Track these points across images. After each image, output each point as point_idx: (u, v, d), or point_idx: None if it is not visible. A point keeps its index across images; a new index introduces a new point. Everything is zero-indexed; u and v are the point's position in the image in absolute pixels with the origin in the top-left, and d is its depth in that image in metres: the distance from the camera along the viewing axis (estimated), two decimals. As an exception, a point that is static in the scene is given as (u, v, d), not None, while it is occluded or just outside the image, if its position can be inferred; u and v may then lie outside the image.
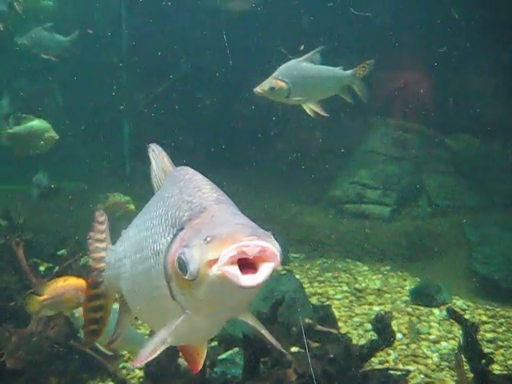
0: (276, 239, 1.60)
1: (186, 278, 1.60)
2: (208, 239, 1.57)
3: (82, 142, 10.42)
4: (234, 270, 1.50)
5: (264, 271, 1.52)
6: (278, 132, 9.52)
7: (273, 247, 1.54)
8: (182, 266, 1.61)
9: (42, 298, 3.84)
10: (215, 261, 1.52)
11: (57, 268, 5.94)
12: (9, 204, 7.78)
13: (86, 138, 10.44)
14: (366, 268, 8.06)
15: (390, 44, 8.93)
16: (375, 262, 8.23)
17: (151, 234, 1.96)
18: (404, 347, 5.57)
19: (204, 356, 2.17)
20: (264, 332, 1.97)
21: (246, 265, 1.52)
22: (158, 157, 2.24)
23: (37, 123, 7.02)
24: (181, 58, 9.79)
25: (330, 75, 5.18)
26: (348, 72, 5.20)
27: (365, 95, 5.26)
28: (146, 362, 1.89)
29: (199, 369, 2.18)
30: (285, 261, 8.10)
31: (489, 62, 9.11)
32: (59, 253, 7.21)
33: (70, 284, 3.80)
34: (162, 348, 1.90)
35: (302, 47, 5.06)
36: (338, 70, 5.21)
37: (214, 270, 1.52)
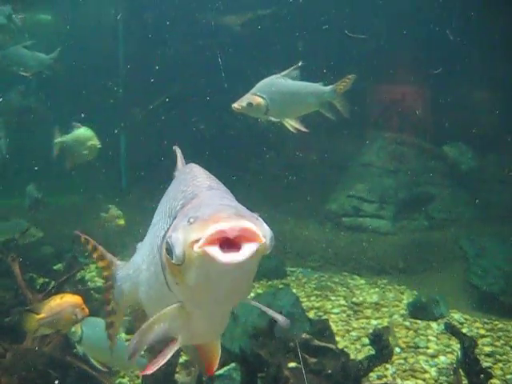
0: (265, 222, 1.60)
1: (173, 262, 1.61)
2: (191, 220, 1.58)
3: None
4: (214, 249, 1.50)
5: (246, 250, 1.51)
6: (274, 147, 9.54)
7: (254, 227, 1.54)
8: (169, 250, 1.62)
9: (39, 316, 3.82)
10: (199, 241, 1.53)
11: (53, 283, 5.91)
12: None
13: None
14: (363, 281, 8.04)
15: (386, 59, 8.99)
16: (372, 276, 8.22)
17: (155, 230, 2.00)
18: (402, 361, 5.54)
19: (218, 356, 2.18)
20: (267, 310, 1.98)
21: (231, 245, 1.52)
22: (178, 158, 2.35)
23: (82, 131, 6.76)
24: (176, 77, 9.79)
25: (309, 91, 5.12)
26: (328, 88, 5.13)
27: (346, 111, 5.19)
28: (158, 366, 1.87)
29: (214, 370, 2.20)
30: (281, 275, 8.09)
31: (484, 76, 9.17)
32: (55, 267, 7.19)
33: (66, 301, 3.78)
34: (174, 348, 1.92)
35: (299, 63, 5.03)
36: (317, 86, 5.15)
37: (196, 249, 1.52)
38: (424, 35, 9.17)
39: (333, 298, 7.37)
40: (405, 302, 7.20)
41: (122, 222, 7.48)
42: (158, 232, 1.93)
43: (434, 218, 9.10)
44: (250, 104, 4.83)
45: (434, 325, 6.43)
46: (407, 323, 6.49)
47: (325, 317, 6.56)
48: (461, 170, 9.38)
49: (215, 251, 1.50)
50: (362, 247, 8.57)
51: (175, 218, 1.75)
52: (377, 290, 7.72)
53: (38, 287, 5.96)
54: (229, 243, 1.52)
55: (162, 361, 1.92)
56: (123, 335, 5.28)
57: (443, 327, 6.22)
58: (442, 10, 8.67)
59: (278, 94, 4.93)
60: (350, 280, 8.11)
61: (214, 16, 9.93)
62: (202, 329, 1.97)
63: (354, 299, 7.29)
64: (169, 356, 1.92)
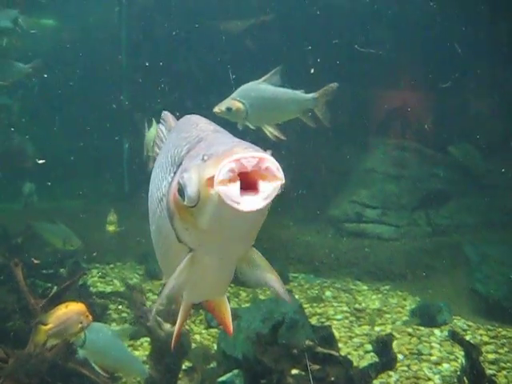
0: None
1: (186, 203, 1.54)
2: (205, 158, 1.52)
3: (81, 160, 10.43)
4: (234, 190, 1.44)
5: (265, 191, 1.47)
6: (275, 151, 9.52)
7: (272, 159, 1.49)
8: (181, 191, 1.56)
9: (47, 327, 3.84)
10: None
11: (55, 288, 5.91)
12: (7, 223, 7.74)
13: (85, 156, 10.46)
14: (365, 287, 8.02)
15: (389, 65, 8.99)
16: (375, 282, 8.20)
17: (155, 184, 1.94)
18: (405, 368, 5.52)
19: (229, 315, 2.20)
20: (270, 270, 1.89)
21: (248, 187, 1.47)
22: (166, 121, 2.23)
23: (152, 129, 6.41)
24: (179, 83, 9.77)
25: (289, 98, 5.08)
26: (309, 95, 5.10)
27: (327, 119, 5.15)
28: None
29: (231, 330, 2.22)
30: (284, 280, 8.06)
31: (488, 82, 9.15)
32: (57, 271, 7.19)
33: (71, 310, 3.80)
34: (185, 306, 2.08)
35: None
36: (298, 93, 5.12)
37: (214, 189, 1.45)
38: (427, 39, 9.16)
39: (335, 304, 7.35)
40: (407, 308, 7.18)
41: (111, 228, 7.40)
42: (159, 184, 1.88)
43: (436, 224, 9.07)
44: (229, 108, 4.82)
45: (437, 331, 6.40)
46: (410, 330, 6.47)
47: (327, 323, 6.54)
48: (468, 171, 9.32)
49: (235, 198, 1.44)
50: (364, 253, 8.55)
51: (180, 164, 1.69)
52: (379, 296, 7.70)
53: (40, 292, 5.96)
54: (245, 184, 1.47)
55: (180, 325, 2.10)
56: (126, 342, 5.28)
57: (446, 334, 6.21)
58: (445, 15, 8.66)
59: (258, 99, 4.90)
60: (353, 286, 8.09)
61: (217, 22, 9.94)
62: (207, 281, 1.93)
63: (357, 305, 7.28)
64: (184, 317, 2.11)
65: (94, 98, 10.18)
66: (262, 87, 4.96)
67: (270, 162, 1.48)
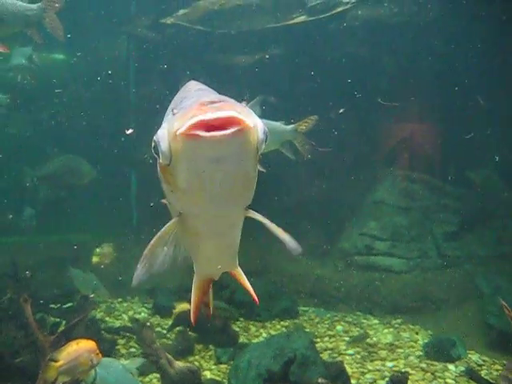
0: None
1: (161, 160, 1.57)
2: (175, 111, 1.57)
3: (89, 193, 10.46)
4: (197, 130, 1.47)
5: (234, 128, 1.48)
6: (284, 184, 9.52)
7: (236, 105, 1.51)
8: (156, 149, 1.59)
9: (58, 364, 3.81)
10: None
11: (64, 323, 5.87)
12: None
13: (94, 189, 10.49)
14: (376, 321, 7.91)
15: (397, 96, 9.02)
16: (386, 315, 8.09)
17: None
18: (420, 406, 5.40)
19: (248, 284, 2.30)
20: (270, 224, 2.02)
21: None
22: None
23: None
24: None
25: (269, 129, 5.10)
26: (289, 127, 5.11)
27: (306, 151, 5.15)
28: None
29: (255, 297, 2.33)
30: (294, 314, 7.97)
31: (496, 112, 9.15)
32: (66, 306, 7.17)
33: (82, 347, 3.78)
34: (198, 281, 2.20)
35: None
36: (278, 125, 5.13)
37: (179, 134, 1.49)
38: (435, 68, 9.19)
39: (346, 338, 7.24)
40: (420, 342, 7.06)
41: (95, 259, 7.48)
42: None
43: (447, 256, 8.98)
44: None
45: (451, 367, 6.27)
46: (424, 365, 6.34)
47: (339, 358, 6.43)
48: (473, 207, 9.26)
49: (198, 130, 1.47)
50: (375, 286, 8.45)
51: None
52: (391, 330, 7.58)
53: (49, 327, 5.91)
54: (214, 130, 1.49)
55: (195, 301, 2.18)
56: (136, 376, 5.20)
57: (462, 369, 6.08)
58: (458, 39, 8.69)
59: None
60: (364, 320, 7.98)
61: (223, 56, 10.05)
62: (209, 250, 1.96)
63: (368, 340, 7.15)
64: (200, 293, 2.18)
65: (102, 132, 10.27)
66: None
67: (236, 116, 1.49)
